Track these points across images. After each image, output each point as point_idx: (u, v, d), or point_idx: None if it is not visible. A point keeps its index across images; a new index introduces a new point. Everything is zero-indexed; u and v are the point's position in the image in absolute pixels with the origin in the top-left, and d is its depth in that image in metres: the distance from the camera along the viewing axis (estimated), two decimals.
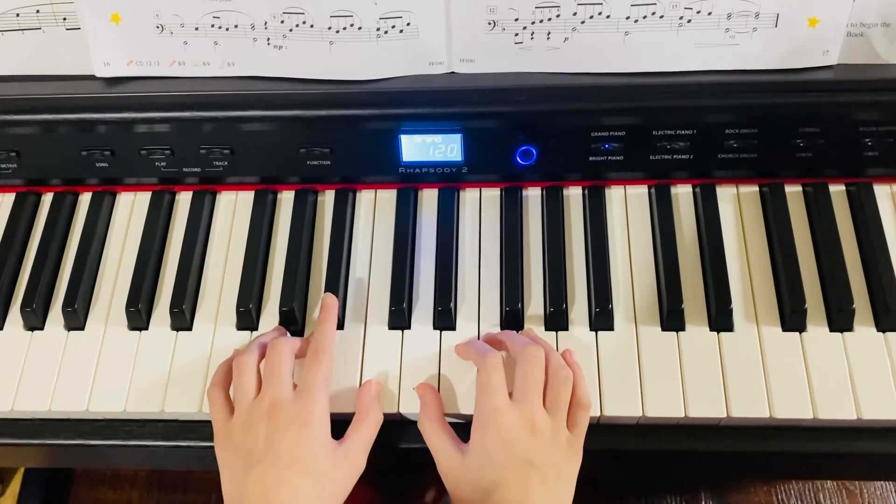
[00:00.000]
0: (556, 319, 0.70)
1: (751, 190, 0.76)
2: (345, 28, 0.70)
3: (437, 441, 0.64)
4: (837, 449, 0.66)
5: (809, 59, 0.69)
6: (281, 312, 0.72)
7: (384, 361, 0.70)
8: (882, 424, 0.65)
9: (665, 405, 0.66)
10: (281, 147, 0.75)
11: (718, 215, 0.74)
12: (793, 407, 0.65)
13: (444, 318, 0.71)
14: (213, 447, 0.65)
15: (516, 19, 0.69)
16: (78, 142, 0.76)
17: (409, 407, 0.67)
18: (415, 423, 0.66)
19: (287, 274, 0.73)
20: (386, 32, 0.70)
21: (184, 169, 0.77)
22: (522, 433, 0.61)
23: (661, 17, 0.68)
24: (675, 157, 0.73)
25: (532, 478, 0.59)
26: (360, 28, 0.70)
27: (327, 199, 0.78)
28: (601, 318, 0.69)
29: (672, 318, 0.69)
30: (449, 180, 0.77)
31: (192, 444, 0.70)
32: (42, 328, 0.74)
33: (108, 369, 0.71)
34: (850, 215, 0.74)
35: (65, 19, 0.72)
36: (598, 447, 0.66)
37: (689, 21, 0.68)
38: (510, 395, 0.63)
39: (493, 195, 0.78)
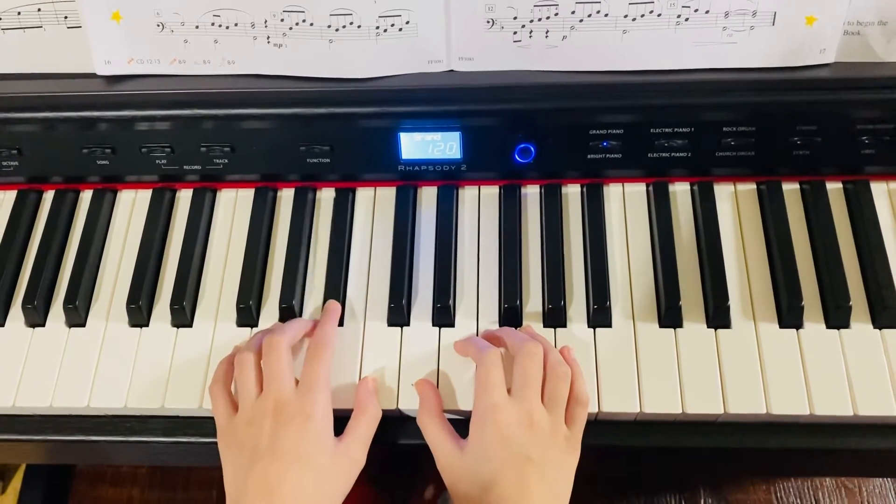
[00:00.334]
0: (555, 316, 0.70)
1: (748, 188, 0.76)
2: (344, 26, 0.70)
3: (436, 437, 0.64)
4: (834, 445, 0.67)
5: (807, 57, 0.70)
6: (281, 309, 0.72)
7: (383, 358, 0.70)
8: (878, 421, 0.66)
9: (663, 401, 0.66)
10: (281, 145, 0.75)
11: (716, 213, 0.74)
12: (789, 403, 0.65)
13: (443, 315, 0.71)
14: (214, 443, 0.66)
15: (515, 18, 0.69)
16: (79, 140, 0.76)
17: (409, 403, 0.68)
18: (414, 419, 0.67)
19: (287, 271, 0.74)
20: (385, 31, 0.70)
21: (184, 167, 0.77)
22: (521, 429, 0.61)
23: (659, 15, 0.68)
24: (673, 155, 0.74)
25: (530, 473, 0.59)
26: (359, 26, 0.70)
27: (327, 197, 0.79)
28: (599, 315, 0.70)
29: (670, 315, 0.69)
30: (448, 178, 0.78)
31: (192, 440, 0.70)
32: (43, 325, 0.74)
33: (109, 366, 0.71)
34: (848, 213, 0.74)
35: (66, 17, 0.73)
36: (596, 443, 0.66)
37: (686, 19, 0.69)
38: (509, 391, 0.63)
39: (491, 193, 0.78)
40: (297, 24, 0.70)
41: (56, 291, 0.76)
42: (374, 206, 0.78)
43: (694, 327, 0.69)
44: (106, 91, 0.74)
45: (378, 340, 0.71)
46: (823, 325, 0.69)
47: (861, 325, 0.69)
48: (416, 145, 0.74)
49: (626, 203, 0.76)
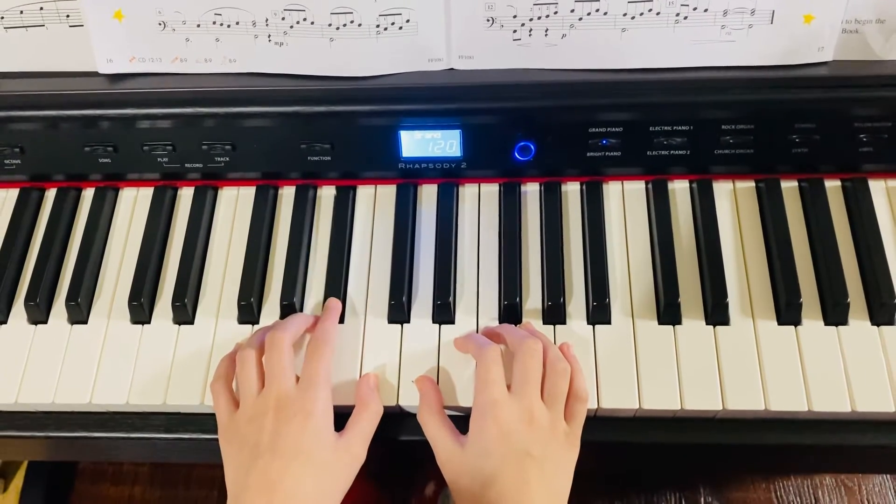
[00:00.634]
0: (554, 313, 0.71)
1: (747, 185, 0.77)
2: (345, 25, 0.71)
3: (437, 433, 0.64)
4: (832, 442, 0.67)
5: (805, 55, 0.70)
6: (282, 306, 0.73)
7: (384, 355, 0.70)
8: (876, 417, 0.66)
9: (661, 398, 0.66)
10: (282, 143, 0.76)
11: (715, 210, 0.74)
12: (788, 400, 0.66)
13: (443, 312, 0.71)
14: (215, 440, 0.66)
15: (514, 16, 0.70)
16: (81, 138, 0.76)
17: (409, 400, 0.68)
18: (414, 415, 0.67)
19: (288, 268, 0.74)
20: (385, 29, 0.71)
21: (186, 165, 0.78)
22: (521, 425, 0.61)
23: (658, 13, 0.69)
24: (672, 152, 0.74)
25: (530, 469, 0.60)
26: (359, 25, 0.71)
27: (328, 195, 0.79)
28: (598, 312, 0.70)
29: (669, 312, 0.70)
30: (448, 176, 0.78)
31: (193, 436, 0.70)
32: (46, 322, 0.75)
33: (111, 362, 0.72)
34: (846, 210, 0.75)
35: (68, 16, 0.73)
36: (595, 439, 0.67)
37: (685, 18, 0.69)
38: (508, 387, 0.64)
39: (491, 190, 0.78)
40: (297, 22, 0.71)
41: (58, 289, 0.76)
42: (375, 204, 0.78)
43: (693, 324, 0.70)
44: (108, 89, 0.74)
45: (378, 337, 0.71)
46: (822, 322, 0.69)
47: (859, 322, 0.69)
48: (416, 143, 0.75)
49: (625, 201, 0.77)
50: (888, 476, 1.14)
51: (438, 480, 0.94)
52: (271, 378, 0.64)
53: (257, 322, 0.73)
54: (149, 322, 0.74)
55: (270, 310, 0.73)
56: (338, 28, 0.71)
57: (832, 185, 0.76)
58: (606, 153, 0.74)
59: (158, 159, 0.77)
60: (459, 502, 0.63)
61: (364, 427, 0.65)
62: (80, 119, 0.75)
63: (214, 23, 0.72)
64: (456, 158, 0.76)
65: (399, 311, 0.72)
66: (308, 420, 0.62)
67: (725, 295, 0.69)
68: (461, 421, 0.65)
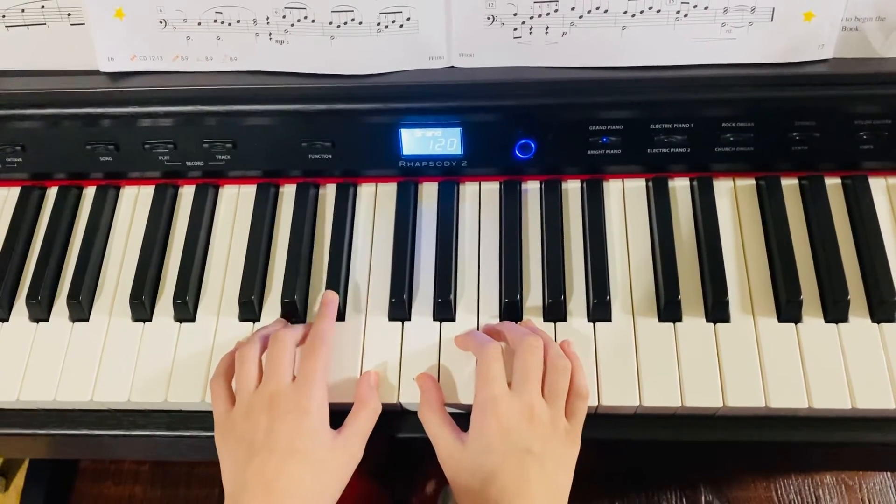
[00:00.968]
0: (555, 311, 0.71)
1: (747, 183, 0.77)
2: (345, 23, 0.71)
3: (438, 430, 0.64)
4: (833, 439, 0.67)
5: (805, 53, 0.70)
6: (282, 304, 0.73)
7: (384, 352, 0.70)
8: (877, 414, 0.66)
9: (662, 395, 0.66)
10: (283, 141, 0.76)
11: (715, 208, 0.75)
12: (788, 397, 0.66)
13: (444, 310, 0.71)
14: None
15: (515, 14, 0.70)
16: (82, 136, 0.76)
17: (410, 397, 0.68)
18: (415, 413, 0.67)
19: (289, 266, 0.74)
20: (386, 27, 0.71)
21: (187, 163, 0.78)
22: (521, 422, 0.61)
23: (658, 11, 0.69)
24: (672, 150, 0.74)
25: (531, 466, 0.60)
26: (360, 23, 0.71)
27: (328, 193, 0.79)
28: (599, 310, 0.70)
29: (669, 310, 0.70)
30: (449, 174, 0.78)
31: (194, 433, 0.71)
32: (47, 320, 0.75)
33: (113, 360, 0.72)
34: (846, 208, 0.75)
35: (69, 15, 0.73)
36: (595, 437, 0.67)
37: (685, 15, 0.69)
38: (509, 384, 0.64)
39: (492, 188, 0.78)
40: (298, 20, 0.71)
41: (59, 287, 0.76)
42: (376, 202, 0.78)
43: (693, 322, 0.70)
44: (109, 88, 0.74)
45: (379, 335, 0.71)
46: (822, 320, 0.69)
47: (859, 319, 0.69)
48: (417, 141, 0.75)
49: (625, 198, 0.77)
50: (888, 474, 1.14)
51: (439, 478, 0.94)
52: (268, 375, 0.64)
53: (258, 320, 0.73)
54: (150, 320, 0.74)
55: (271, 307, 0.74)
56: (339, 26, 0.71)
57: (832, 183, 0.76)
58: (607, 151, 0.74)
59: (159, 157, 0.77)
60: (460, 499, 0.63)
61: (362, 425, 0.65)
62: (81, 117, 0.75)
63: (215, 21, 0.72)
64: (456, 156, 0.76)
65: (400, 309, 0.72)
66: (303, 418, 0.62)
67: (726, 292, 0.69)
68: (462, 418, 0.65)
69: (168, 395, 0.70)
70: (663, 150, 0.74)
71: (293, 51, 0.72)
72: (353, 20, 0.71)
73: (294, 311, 0.72)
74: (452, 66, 0.73)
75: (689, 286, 0.71)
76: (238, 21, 0.71)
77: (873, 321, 0.69)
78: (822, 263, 0.71)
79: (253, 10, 0.71)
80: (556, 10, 0.69)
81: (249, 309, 0.73)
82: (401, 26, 0.71)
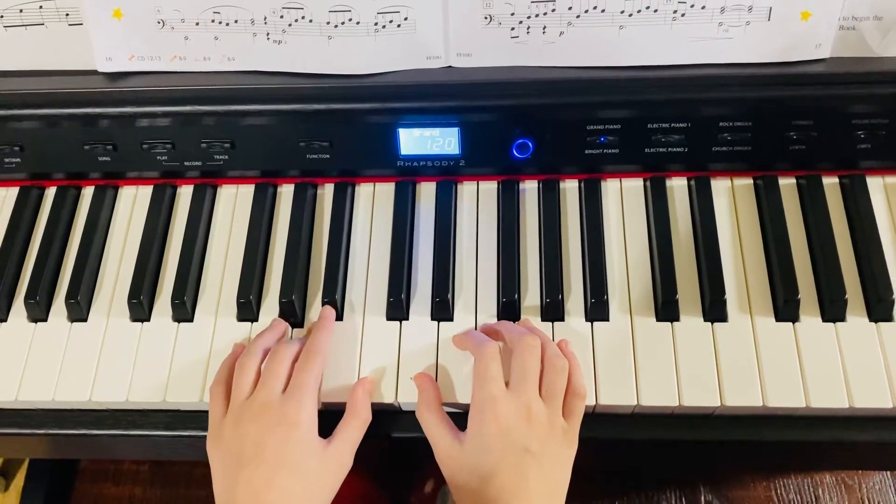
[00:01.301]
0: (553, 310, 0.71)
1: (745, 182, 0.77)
2: (343, 23, 0.71)
3: (435, 430, 0.64)
4: (831, 438, 0.67)
5: (802, 52, 0.70)
6: (281, 304, 0.73)
7: (382, 352, 0.70)
8: (875, 413, 0.66)
9: (659, 394, 0.66)
10: (281, 141, 0.76)
11: (713, 207, 0.75)
12: (786, 396, 0.66)
13: (442, 309, 0.71)
14: None
15: (512, 14, 0.70)
16: (80, 136, 0.76)
17: (407, 396, 0.68)
18: (413, 412, 0.67)
19: (287, 266, 0.74)
20: (384, 27, 0.71)
21: (185, 163, 0.78)
22: (519, 421, 0.61)
23: (656, 11, 0.69)
24: (669, 149, 0.74)
25: (529, 465, 0.60)
26: (358, 23, 0.71)
27: (326, 193, 0.79)
28: (597, 309, 0.70)
29: (667, 309, 0.70)
30: (447, 173, 0.78)
31: (193, 433, 0.71)
32: (45, 320, 0.75)
33: (111, 360, 0.72)
34: (843, 207, 0.75)
35: (67, 15, 0.73)
36: (593, 436, 0.67)
37: (682, 15, 0.69)
38: (507, 384, 0.64)
39: (490, 188, 0.79)
40: (296, 20, 0.71)
41: (58, 287, 0.77)
42: (374, 202, 0.79)
43: (691, 321, 0.70)
44: (107, 88, 0.74)
45: (377, 334, 0.71)
46: (819, 319, 0.69)
47: (857, 318, 0.69)
48: (414, 141, 0.75)
49: (623, 198, 0.77)
50: (888, 473, 1.14)
51: (437, 478, 0.94)
52: (261, 385, 0.65)
53: (256, 320, 0.73)
54: (148, 320, 0.74)
55: (269, 307, 0.74)
56: (336, 26, 0.71)
57: (830, 182, 0.76)
58: (604, 150, 0.74)
59: (158, 157, 0.78)
60: (458, 499, 0.63)
61: (352, 434, 0.65)
62: (79, 117, 0.75)
63: (213, 21, 0.72)
64: (454, 156, 0.76)
65: (398, 309, 0.72)
66: (291, 431, 0.62)
67: (723, 292, 0.69)
68: (460, 418, 0.65)
69: (166, 395, 0.70)
70: (661, 149, 0.74)
71: (291, 51, 0.72)
72: (350, 20, 0.71)
73: (292, 311, 0.73)
74: (450, 66, 0.73)
75: (686, 285, 0.71)
76: (236, 21, 0.72)
77: (871, 320, 0.69)
78: (819, 262, 0.71)
79: (250, 10, 0.71)
80: (553, 10, 0.69)
81: (248, 309, 0.73)
82: (398, 26, 0.71)
